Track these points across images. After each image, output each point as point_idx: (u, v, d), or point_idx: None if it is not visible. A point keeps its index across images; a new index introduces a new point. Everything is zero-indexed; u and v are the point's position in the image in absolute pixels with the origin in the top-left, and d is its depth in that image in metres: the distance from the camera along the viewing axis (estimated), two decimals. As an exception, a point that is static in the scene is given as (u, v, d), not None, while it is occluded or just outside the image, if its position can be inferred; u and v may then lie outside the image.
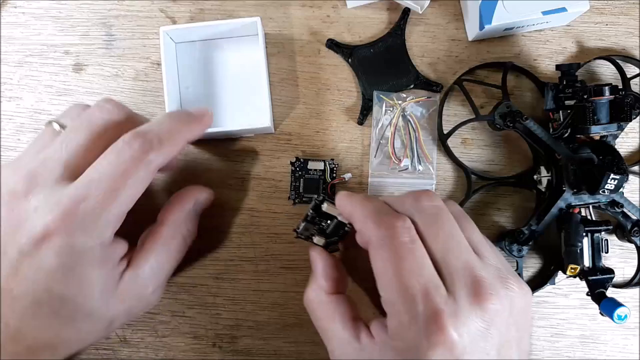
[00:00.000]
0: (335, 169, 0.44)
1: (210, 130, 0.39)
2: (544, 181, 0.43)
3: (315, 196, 0.38)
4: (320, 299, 0.34)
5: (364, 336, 0.31)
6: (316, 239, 0.37)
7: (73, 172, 0.31)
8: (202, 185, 0.40)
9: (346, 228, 0.36)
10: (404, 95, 0.44)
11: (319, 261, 0.35)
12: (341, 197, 0.34)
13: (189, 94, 0.44)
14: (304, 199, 0.44)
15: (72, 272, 0.31)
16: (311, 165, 0.44)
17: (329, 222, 0.36)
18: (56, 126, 0.34)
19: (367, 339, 0.31)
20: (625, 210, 0.43)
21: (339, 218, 0.35)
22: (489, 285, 0.29)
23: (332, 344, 0.33)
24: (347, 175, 0.44)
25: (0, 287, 0.30)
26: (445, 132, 0.44)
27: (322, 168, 0.43)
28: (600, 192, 0.38)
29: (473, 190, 0.44)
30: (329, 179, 0.43)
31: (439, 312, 0.28)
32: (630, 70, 0.45)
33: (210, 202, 0.40)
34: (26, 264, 0.30)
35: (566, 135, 0.42)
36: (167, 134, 0.33)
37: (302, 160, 0.44)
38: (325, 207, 0.36)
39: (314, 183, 0.43)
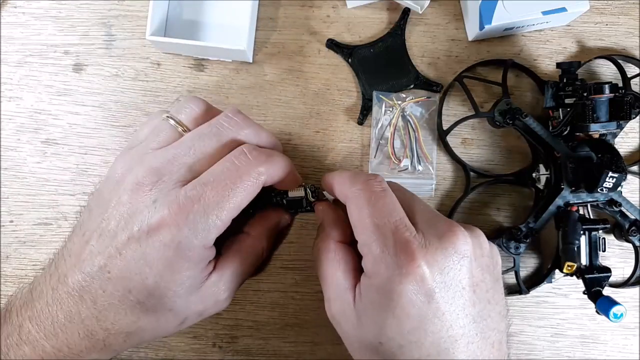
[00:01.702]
0: (317, 191, 0.40)
1: (188, 42, 0.41)
2: (543, 179, 0.43)
3: None
4: (327, 246, 0.36)
5: (358, 286, 0.33)
6: None
7: (194, 175, 0.33)
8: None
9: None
10: (404, 96, 0.44)
11: (328, 212, 0.38)
12: (324, 178, 0.37)
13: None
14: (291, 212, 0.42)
15: (170, 267, 0.32)
16: (292, 194, 0.40)
17: None
18: (172, 122, 0.35)
19: (358, 289, 0.33)
20: (623, 209, 0.43)
21: None
22: (457, 229, 0.32)
23: (330, 292, 0.35)
24: (330, 197, 0.40)
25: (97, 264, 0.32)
26: (445, 129, 0.44)
27: (303, 195, 0.40)
28: (599, 190, 0.38)
29: (472, 187, 0.44)
30: (312, 199, 0.40)
31: (409, 243, 0.31)
32: (631, 70, 0.45)
33: (287, 225, 0.43)
34: (132, 249, 0.31)
35: (565, 133, 0.42)
36: (277, 154, 0.35)
37: (282, 192, 0.40)
38: None
39: (297, 203, 0.41)
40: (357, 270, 0.34)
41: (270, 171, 0.34)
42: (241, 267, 0.37)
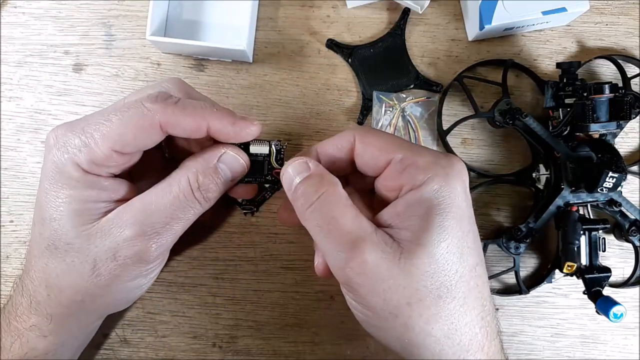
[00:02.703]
0: (283, 150, 0.36)
1: (188, 42, 0.41)
2: (543, 179, 0.43)
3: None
4: (335, 194, 0.33)
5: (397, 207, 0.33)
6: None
7: None
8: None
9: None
10: (404, 96, 0.45)
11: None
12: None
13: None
14: (245, 180, 0.37)
15: (50, 183, 0.32)
16: (254, 149, 0.36)
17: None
18: None
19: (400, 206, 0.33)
20: (623, 209, 0.43)
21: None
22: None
23: (352, 233, 0.32)
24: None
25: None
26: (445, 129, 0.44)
27: (267, 152, 0.36)
28: (599, 190, 0.38)
29: (472, 187, 0.44)
30: (275, 164, 0.36)
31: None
32: (631, 70, 0.45)
33: (243, 170, 0.36)
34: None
35: (565, 133, 0.42)
36: (185, 101, 0.33)
37: (241, 146, 0.35)
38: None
39: (259, 165, 0.36)
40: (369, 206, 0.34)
41: (168, 115, 0.31)
42: (155, 199, 0.33)
